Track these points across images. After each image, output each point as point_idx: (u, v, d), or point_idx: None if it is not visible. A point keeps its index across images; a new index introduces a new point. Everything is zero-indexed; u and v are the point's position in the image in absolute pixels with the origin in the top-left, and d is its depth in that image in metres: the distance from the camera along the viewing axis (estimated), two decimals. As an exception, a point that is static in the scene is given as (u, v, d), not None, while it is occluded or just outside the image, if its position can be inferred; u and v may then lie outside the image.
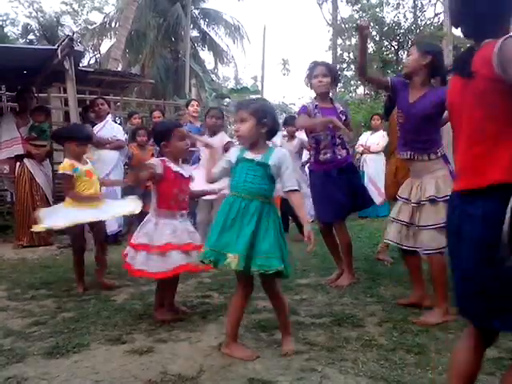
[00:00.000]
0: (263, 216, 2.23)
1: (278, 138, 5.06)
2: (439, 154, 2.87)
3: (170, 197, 2.81)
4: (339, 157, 3.60)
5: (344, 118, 3.65)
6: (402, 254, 3.13)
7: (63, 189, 3.58)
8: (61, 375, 2.10)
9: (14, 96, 6.44)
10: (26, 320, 2.86)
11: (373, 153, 7.29)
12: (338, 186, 3.55)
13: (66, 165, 3.51)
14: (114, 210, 3.61)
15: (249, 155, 2.31)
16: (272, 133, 2.35)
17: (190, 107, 6.08)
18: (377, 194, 6.31)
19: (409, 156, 2.93)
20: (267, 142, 2.40)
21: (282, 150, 2.39)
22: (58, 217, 3.42)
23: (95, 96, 6.80)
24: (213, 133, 4.58)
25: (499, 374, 1.97)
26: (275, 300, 2.38)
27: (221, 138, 4.45)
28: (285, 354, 2.26)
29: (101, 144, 5.61)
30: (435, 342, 2.39)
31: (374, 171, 7.01)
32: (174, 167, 2.83)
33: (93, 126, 5.71)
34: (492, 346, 2.17)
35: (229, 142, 4.38)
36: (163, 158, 2.86)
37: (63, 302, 3.24)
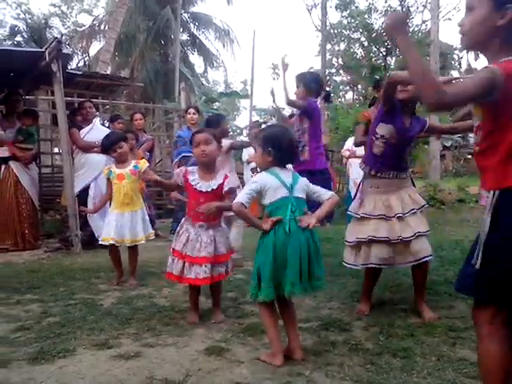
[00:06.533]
0: None
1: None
2: (409, 171, 3.10)
3: (191, 207, 2.91)
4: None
5: None
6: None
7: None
8: (45, 381, 2.08)
9: (1, 98, 6.38)
10: (10, 325, 2.83)
11: (358, 157, 7.34)
12: None
13: (104, 169, 3.97)
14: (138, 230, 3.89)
15: None
16: (281, 159, 2.31)
17: (187, 115, 6.07)
18: None
19: (393, 176, 2.93)
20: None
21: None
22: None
23: (83, 99, 6.77)
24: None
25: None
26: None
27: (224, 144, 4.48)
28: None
29: (88, 147, 5.59)
30: (421, 346, 2.41)
31: (359, 175, 7.04)
32: (192, 180, 2.86)
33: (80, 130, 5.69)
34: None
35: (231, 143, 4.39)
36: (187, 169, 2.95)
37: (49, 306, 3.21)
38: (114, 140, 3.86)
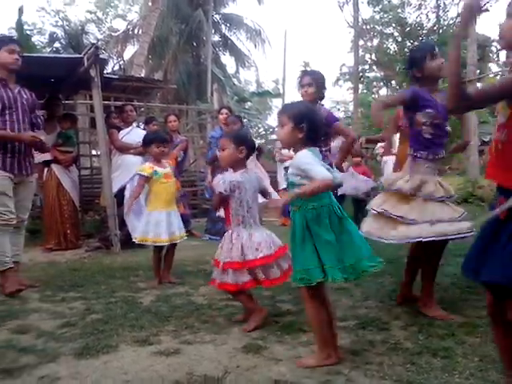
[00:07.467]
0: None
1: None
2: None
3: None
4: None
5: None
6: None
7: (135, 187, 4.01)
8: (91, 375, 2.16)
9: (42, 104, 6.61)
10: (57, 321, 2.95)
11: (393, 155, 7.22)
12: None
13: (145, 167, 3.86)
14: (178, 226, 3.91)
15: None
16: (312, 138, 2.22)
17: (220, 115, 6.18)
18: None
19: (443, 155, 2.99)
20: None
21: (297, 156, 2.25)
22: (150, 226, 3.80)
23: (120, 102, 6.95)
24: None
25: None
26: None
27: None
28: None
29: (124, 148, 5.74)
30: (462, 346, 2.36)
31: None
32: None
33: (119, 131, 5.85)
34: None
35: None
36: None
37: (92, 304, 3.32)
38: (163, 138, 3.98)
